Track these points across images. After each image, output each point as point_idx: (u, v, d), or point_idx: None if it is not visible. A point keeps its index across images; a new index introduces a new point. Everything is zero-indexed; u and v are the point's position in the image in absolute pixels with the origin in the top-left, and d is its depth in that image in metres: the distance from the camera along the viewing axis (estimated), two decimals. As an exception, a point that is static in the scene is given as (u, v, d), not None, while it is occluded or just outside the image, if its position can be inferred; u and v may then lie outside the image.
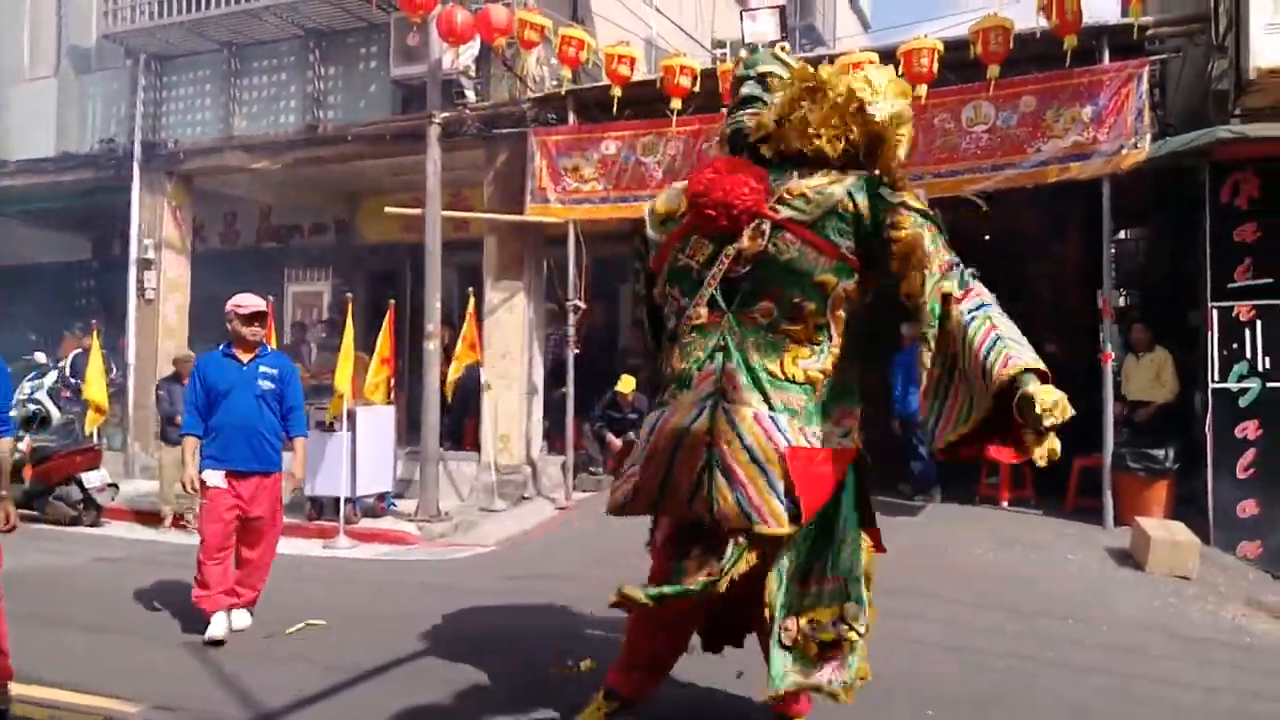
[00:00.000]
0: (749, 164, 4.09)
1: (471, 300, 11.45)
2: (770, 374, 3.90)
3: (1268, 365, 8.95)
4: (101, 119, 15.12)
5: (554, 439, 12.51)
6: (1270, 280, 8.94)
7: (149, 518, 11.45)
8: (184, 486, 6.51)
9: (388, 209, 12.20)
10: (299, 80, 13.64)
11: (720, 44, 13.82)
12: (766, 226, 3.93)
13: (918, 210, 3.93)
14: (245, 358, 6.50)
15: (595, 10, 12.79)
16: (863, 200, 3.93)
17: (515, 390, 12.03)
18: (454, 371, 11.34)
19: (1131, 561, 8.44)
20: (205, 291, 14.96)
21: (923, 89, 9.38)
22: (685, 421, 3.94)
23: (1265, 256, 8.97)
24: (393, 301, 11.43)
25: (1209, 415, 9.12)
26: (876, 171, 4.06)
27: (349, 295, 11.69)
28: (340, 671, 5.49)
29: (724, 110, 9.85)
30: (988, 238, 15.81)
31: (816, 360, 3.96)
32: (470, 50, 11.63)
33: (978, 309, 3.81)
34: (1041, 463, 3.53)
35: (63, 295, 17.42)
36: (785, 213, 3.94)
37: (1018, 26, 9.37)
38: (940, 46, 9.34)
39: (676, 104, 10.42)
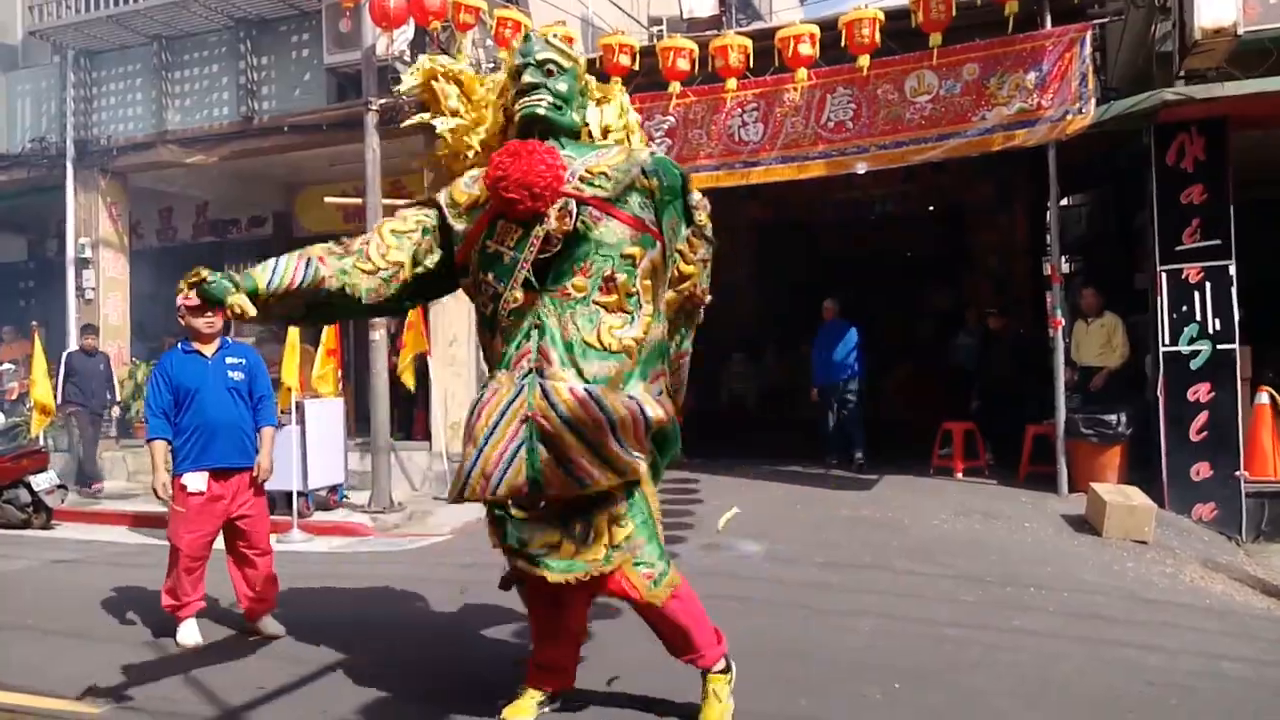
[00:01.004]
0: (541, 144, 4.16)
1: None
2: (587, 345, 4.06)
3: (1218, 327, 9.00)
4: (31, 117, 14.76)
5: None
6: (1218, 241, 8.99)
7: (99, 518, 11.33)
8: (156, 493, 6.15)
9: (327, 199, 12.02)
10: (231, 72, 13.35)
11: (657, 21, 13.66)
12: (573, 205, 4.05)
13: (710, 240, 4.56)
14: (209, 351, 6.20)
15: (531, -10, 12.59)
16: (654, 181, 4.21)
17: (464, 377, 11.87)
18: (404, 361, 11.17)
19: (1088, 527, 8.46)
20: (145, 289, 14.74)
21: (865, 60, 9.33)
22: (504, 401, 4.08)
23: (1212, 218, 9.02)
24: (336, 293, 11.23)
25: (1160, 379, 9.17)
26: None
27: (291, 288, 11.50)
28: (300, 665, 5.43)
29: (667, 88, 9.95)
30: (932, 209, 15.90)
31: (630, 329, 4.14)
32: (405, 35, 11.40)
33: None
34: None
35: (0, 298, 17.10)
36: (589, 191, 4.10)
37: None
38: (881, 16, 9.25)
39: (616, 83, 10.29)
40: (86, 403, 12.46)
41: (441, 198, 4.42)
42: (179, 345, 6.34)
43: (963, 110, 9.41)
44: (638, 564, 4.09)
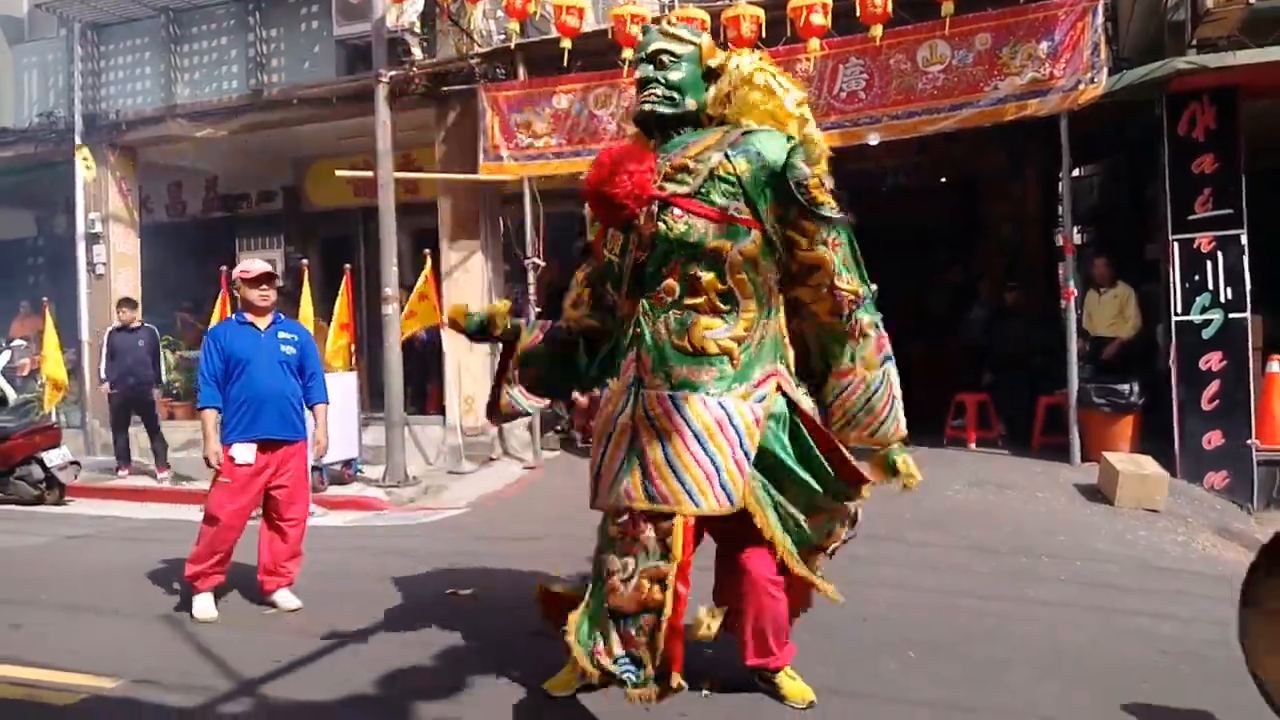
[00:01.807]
0: (633, 148, 4.11)
1: (429, 260, 11.24)
2: (681, 351, 3.94)
3: (1230, 296, 8.98)
4: (39, 91, 14.76)
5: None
6: (1230, 211, 8.96)
7: (112, 493, 11.38)
8: (208, 462, 6.18)
9: (338, 172, 12.01)
10: (240, 44, 13.34)
11: (670, -9, 13.61)
12: (655, 206, 3.96)
13: (831, 220, 3.95)
14: (262, 324, 6.26)
15: (541, -40, 12.53)
16: (740, 164, 3.93)
17: (478, 351, 11.88)
18: (407, 327, 11.13)
19: (1100, 497, 8.48)
20: (156, 264, 14.75)
21: (878, 30, 9.31)
22: (615, 410, 4.10)
23: (1224, 187, 8.99)
24: (348, 267, 11.27)
25: (1173, 348, 9.16)
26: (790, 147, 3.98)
27: (304, 262, 11.51)
28: (314, 638, 5.45)
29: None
30: (944, 180, 15.82)
31: (727, 329, 3.97)
32: (415, 6, 11.36)
33: (886, 361, 4.20)
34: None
35: (10, 274, 17.14)
36: (670, 188, 3.97)
37: None
38: (894, -13, 9.24)
39: (628, 54, 10.20)
40: (120, 381, 11.69)
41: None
42: (234, 316, 6.40)
43: (975, 80, 9.38)
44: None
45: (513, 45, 11.11)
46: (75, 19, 13.88)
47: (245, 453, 6.03)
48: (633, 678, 3.76)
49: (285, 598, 6.21)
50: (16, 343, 13.85)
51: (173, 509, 10.48)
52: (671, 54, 4.17)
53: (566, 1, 10.43)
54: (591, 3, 10.67)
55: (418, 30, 11.72)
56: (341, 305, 10.94)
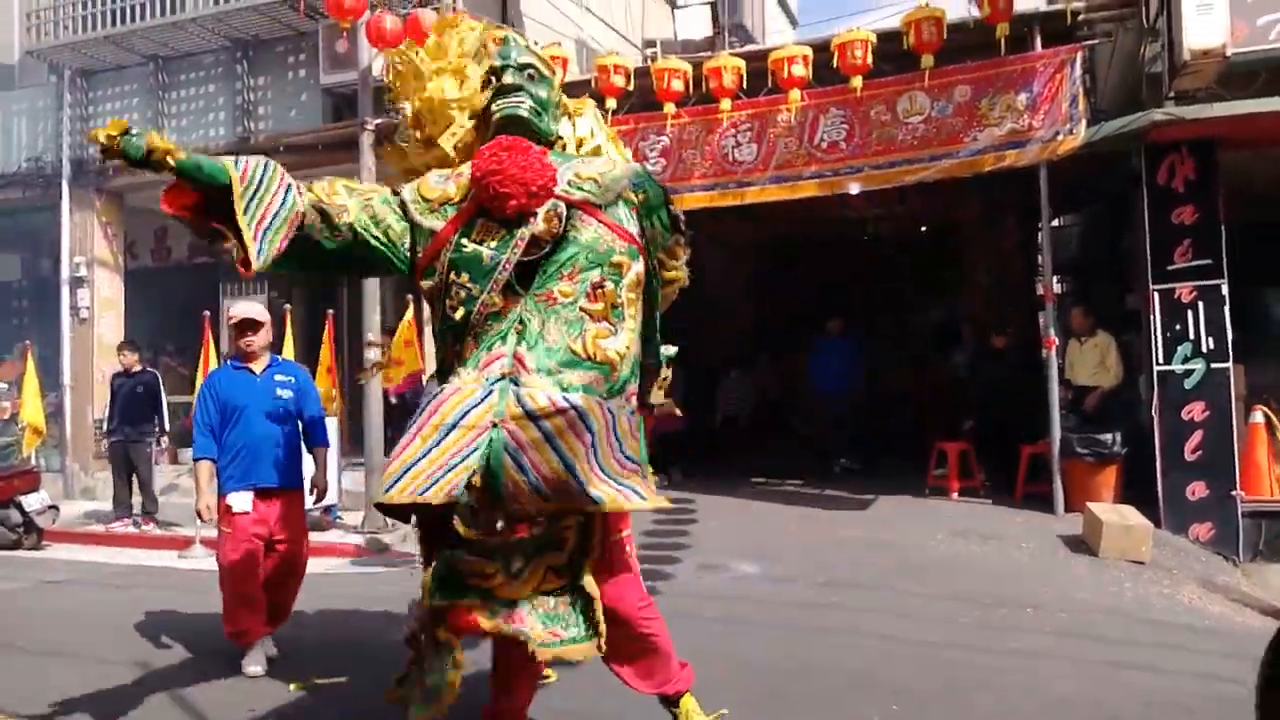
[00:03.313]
0: (531, 145, 4.02)
1: (411, 306, 11.20)
2: (572, 354, 3.83)
3: (1211, 346, 9.01)
4: (28, 136, 14.81)
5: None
6: (1209, 261, 9.01)
7: (91, 539, 11.33)
8: (200, 516, 6.05)
9: (323, 219, 11.98)
10: (228, 91, 13.42)
11: (651, 43, 13.76)
12: (562, 208, 3.92)
13: (689, 245, 4.40)
14: (258, 368, 6.13)
15: (525, 12, 12.65)
16: (639, 195, 4.11)
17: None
18: (396, 375, 11.01)
19: (1084, 547, 8.45)
20: (140, 309, 14.74)
21: (858, 81, 9.40)
22: (466, 402, 3.77)
23: (1203, 237, 9.04)
24: (330, 312, 11.26)
25: (1155, 398, 9.17)
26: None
27: (287, 307, 11.50)
28: (290, 687, 5.41)
29: (662, 109, 10.00)
30: (925, 229, 15.95)
31: (616, 340, 3.92)
32: (401, 55, 11.45)
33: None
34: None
35: (-7, 316, 17.08)
36: (578, 195, 3.96)
37: (950, 16, 9.39)
38: (873, 38, 9.34)
39: (612, 103, 10.32)
40: (118, 430, 11.47)
41: (406, 192, 4.13)
42: (229, 362, 6.33)
43: (954, 131, 9.46)
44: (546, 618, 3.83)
45: (497, 93, 11.17)
46: (66, 66, 13.99)
47: (242, 501, 5.87)
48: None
49: (265, 646, 6.03)
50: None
51: (151, 555, 10.43)
52: (539, 71, 4.18)
53: (551, 52, 10.47)
54: (575, 53, 10.76)
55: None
56: (325, 352, 10.91)
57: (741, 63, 9.79)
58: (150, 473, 11.73)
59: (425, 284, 4.09)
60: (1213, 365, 9.01)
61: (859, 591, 7.20)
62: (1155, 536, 8.40)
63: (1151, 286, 9.16)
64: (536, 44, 4.63)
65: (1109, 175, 10.56)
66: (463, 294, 3.93)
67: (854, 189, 9.98)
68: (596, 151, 4.62)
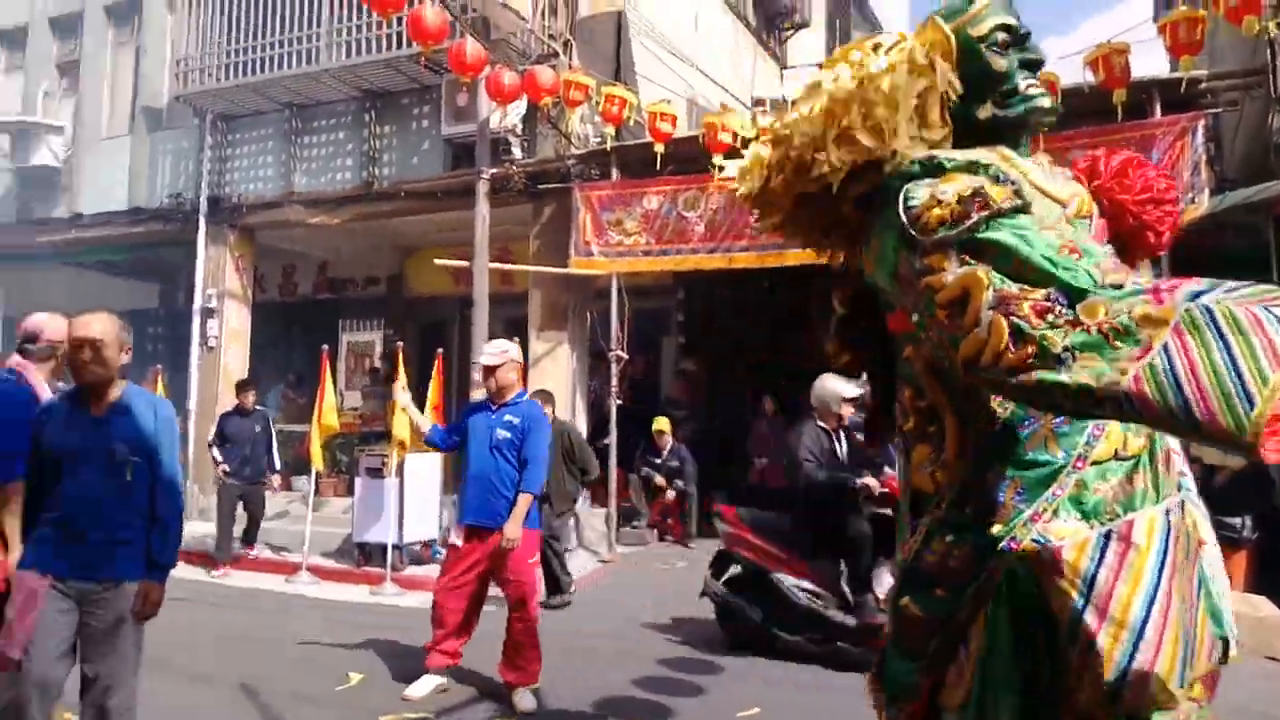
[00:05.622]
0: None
1: (439, 360, 11.33)
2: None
3: (1348, 426, 8.59)
4: (171, 175, 15.68)
5: (596, 491, 12.27)
6: (1345, 335, 8.65)
7: (203, 559, 11.57)
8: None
9: (437, 261, 12.49)
10: (356, 139, 14.12)
11: (759, 101, 14.05)
12: None
13: None
14: (495, 406, 6.21)
15: (638, 70, 13.13)
16: None
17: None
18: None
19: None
20: (265, 340, 15.47)
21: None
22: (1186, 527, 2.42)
23: (1338, 311, 8.71)
24: (440, 351, 11.67)
25: (1288, 481, 8.63)
26: None
27: (400, 345, 11.95)
28: (379, 714, 5.61)
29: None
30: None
31: None
32: (518, 109, 11.97)
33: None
34: None
35: (132, 343, 17.88)
36: None
37: (1064, 82, 9.21)
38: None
39: (718, 159, 10.59)
40: (236, 472, 11.36)
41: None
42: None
43: (1071, 198, 9.40)
44: None
45: (608, 148, 11.64)
46: (209, 110, 14.82)
47: (455, 534, 6.17)
48: None
49: (521, 697, 5.91)
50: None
51: (261, 578, 10.84)
52: None
53: (661, 109, 10.92)
54: (685, 111, 11.10)
55: (519, 132, 12.33)
56: (434, 388, 11.27)
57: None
58: (263, 511, 12.02)
59: None
60: (1349, 446, 8.58)
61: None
62: (1293, 630, 7.64)
63: (1284, 359, 8.81)
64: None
65: (1235, 245, 10.39)
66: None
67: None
68: None
